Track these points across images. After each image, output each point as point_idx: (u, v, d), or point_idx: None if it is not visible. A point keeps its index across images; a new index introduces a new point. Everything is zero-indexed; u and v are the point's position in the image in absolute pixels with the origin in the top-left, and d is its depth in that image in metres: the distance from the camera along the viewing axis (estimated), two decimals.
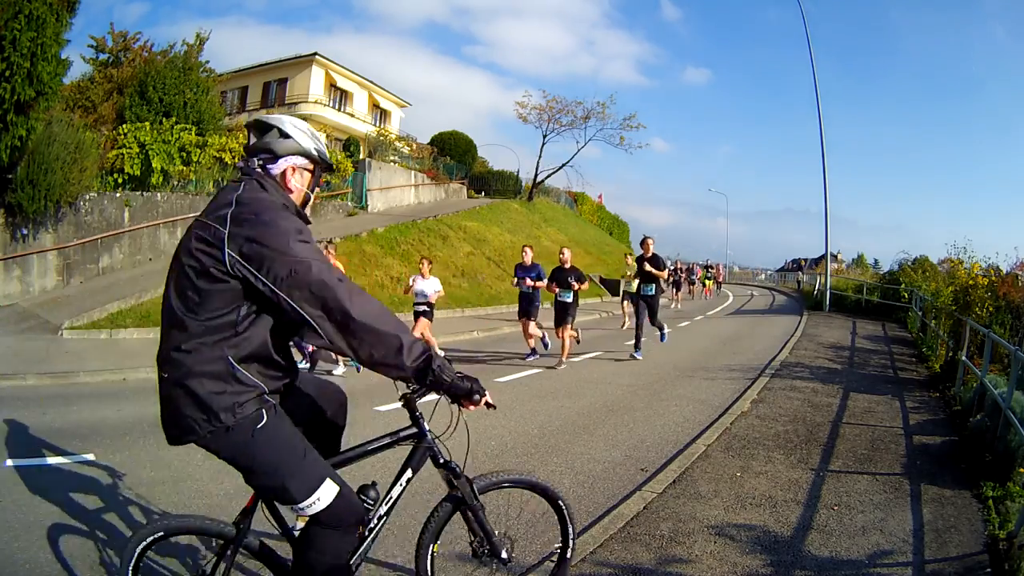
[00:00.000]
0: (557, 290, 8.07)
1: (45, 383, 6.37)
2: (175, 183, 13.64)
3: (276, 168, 1.76)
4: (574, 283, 7.98)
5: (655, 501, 3.68)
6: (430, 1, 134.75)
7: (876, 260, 41.01)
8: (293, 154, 1.77)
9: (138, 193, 12.64)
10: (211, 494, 3.63)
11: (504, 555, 2.12)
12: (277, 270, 1.53)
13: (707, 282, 26.25)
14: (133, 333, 8.93)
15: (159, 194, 12.93)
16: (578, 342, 8.61)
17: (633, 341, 9.07)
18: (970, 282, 8.98)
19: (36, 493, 3.52)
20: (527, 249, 8.43)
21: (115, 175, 12.92)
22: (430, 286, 7.61)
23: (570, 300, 8.01)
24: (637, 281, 8.92)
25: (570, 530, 2.27)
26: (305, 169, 1.81)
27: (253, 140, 1.77)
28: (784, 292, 30.35)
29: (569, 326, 8.10)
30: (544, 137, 28.01)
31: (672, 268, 21.74)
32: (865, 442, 5.09)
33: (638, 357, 8.80)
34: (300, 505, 1.72)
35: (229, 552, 1.81)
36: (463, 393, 1.76)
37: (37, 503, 3.38)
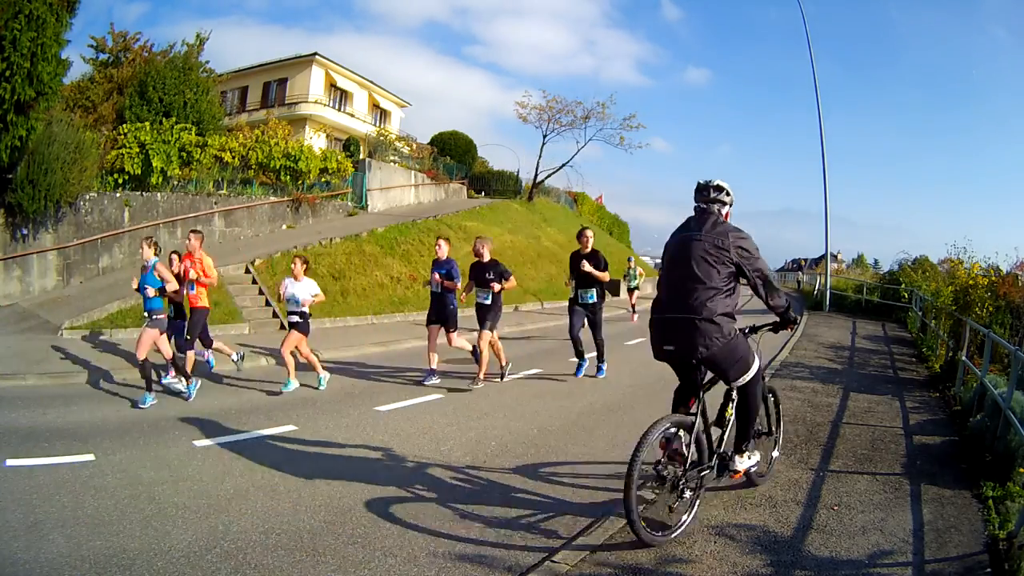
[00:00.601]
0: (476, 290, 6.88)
1: (45, 383, 6.37)
2: (175, 183, 13.64)
3: (724, 211, 3.31)
4: (494, 282, 6.71)
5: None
6: (431, 1, 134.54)
7: (876, 260, 40.91)
8: (730, 205, 3.34)
9: (138, 193, 12.64)
10: (211, 494, 3.63)
11: (774, 431, 4.02)
12: (753, 264, 3.14)
13: None
14: (133, 333, 8.92)
15: (159, 194, 12.92)
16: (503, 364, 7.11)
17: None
18: (970, 282, 8.98)
19: (36, 493, 3.53)
20: (441, 242, 6.97)
21: (115, 175, 12.91)
22: (303, 290, 6.39)
23: (488, 302, 6.74)
24: (573, 283, 7.21)
25: (781, 410, 4.13)
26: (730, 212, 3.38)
27: (712, 194, 3.27)
28: (784, 292, 30.25)
29: (487, 331, 6.72)
30: (544, 137, 27.91)
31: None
32: (865, 442, 5.09)
33: (580, 376, 7.40)
34: (751, 371, 3.19)
35: (694, 433, 3.14)
36: (792, 320, 3.40)
37: (37, 503, 3.39)
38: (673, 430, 3.08)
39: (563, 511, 3.59)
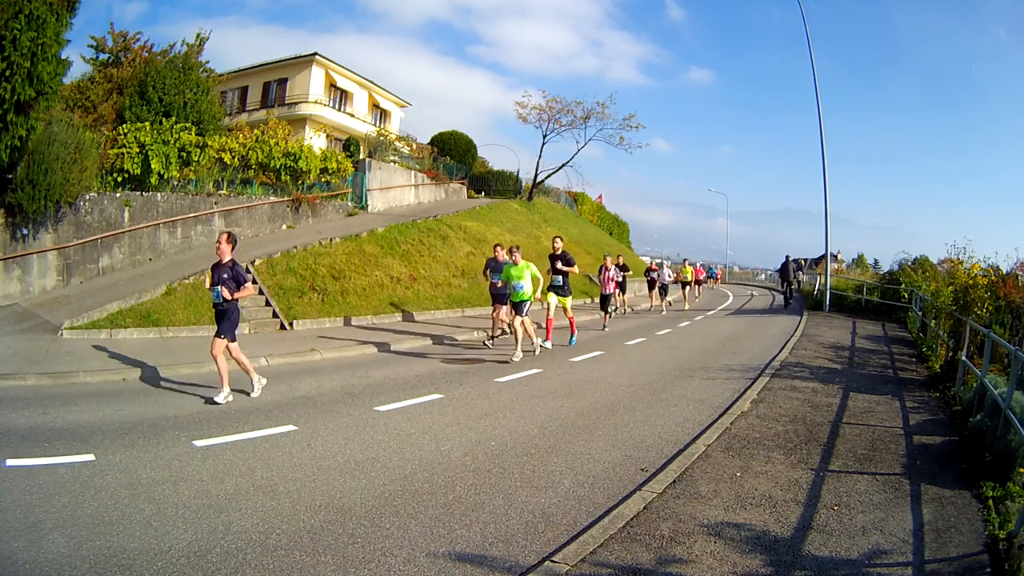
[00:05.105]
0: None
1: (45, 383, 6.37)
2: (175, 183, 13.63)
3: (791, 256, 20.00)
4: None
5: (655, 501, 3.68)
6: (432, 0, 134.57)
7: (876, 260, 40.85)
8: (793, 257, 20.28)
9: (138, 193, 12.62)
10: (211, 494, 3.63)
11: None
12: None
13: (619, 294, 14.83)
14: (133, 333, 8.92)
15: (159, 194, 12.91)
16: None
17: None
18: (970, 282, 8.98)
19: (36, 493, 3.53)
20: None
21: (115, 175, 12.91)
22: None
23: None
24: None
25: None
26: None
27: (793, 256, 20.20)
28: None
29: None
30: (544, 137, 27.82)
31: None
32: (865, 442, 5.09)
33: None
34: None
35: (790, 294, 20.58)
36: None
37: (37, 503, 3.38)
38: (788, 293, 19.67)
39: (563, 511, 3.59)
